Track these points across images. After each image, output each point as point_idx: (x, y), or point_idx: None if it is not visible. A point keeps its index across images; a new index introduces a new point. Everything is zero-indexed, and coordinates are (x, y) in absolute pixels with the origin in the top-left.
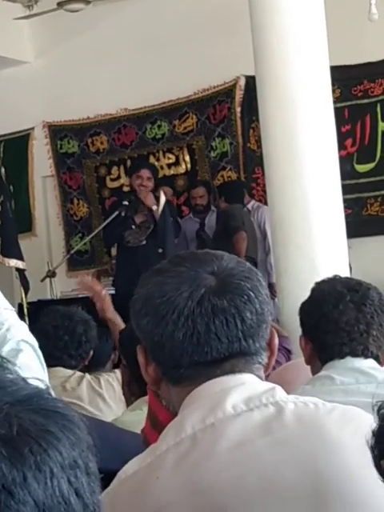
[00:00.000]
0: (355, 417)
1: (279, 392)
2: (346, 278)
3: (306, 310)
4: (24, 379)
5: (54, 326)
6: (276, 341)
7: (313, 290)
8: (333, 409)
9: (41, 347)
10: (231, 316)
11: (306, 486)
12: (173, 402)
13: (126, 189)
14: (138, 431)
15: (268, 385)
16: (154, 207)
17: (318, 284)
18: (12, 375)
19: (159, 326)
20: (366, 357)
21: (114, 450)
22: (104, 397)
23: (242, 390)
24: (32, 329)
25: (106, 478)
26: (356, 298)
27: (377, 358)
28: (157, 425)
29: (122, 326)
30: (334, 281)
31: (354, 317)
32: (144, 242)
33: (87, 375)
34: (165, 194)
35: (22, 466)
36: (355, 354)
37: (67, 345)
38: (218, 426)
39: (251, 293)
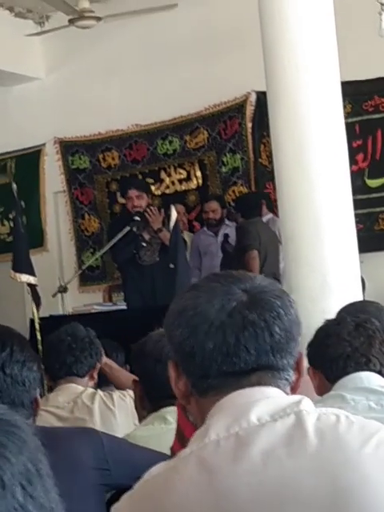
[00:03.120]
0: (376, 430)
1: (305, 403)
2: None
3: (312, 340)
4: None
5: (59, 340)
6: (304, 363)
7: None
8: (354, 422)
9: (50, 363)
10: (260, 329)
11: (325, 498)
12: (200, 416)
13: None
14: (150, 446)
15: (295, 397)
16: (159, 227)
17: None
18: None
19: (191, 337)
20: (370, 370)
21: (128, 467)
22: (115, 413)
23: (268, 403)
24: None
25: (119, 492)
26: (357, 320)
27: (380, 373)
28: (183, 441)
29: (116, 367)
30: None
31: (354, 329)
32: (158, 259)
33: (100, 391)
34: (178, 212)
35: None
36: (359, 366)
37: (73, 351)
38: (242, 435)
39: (281, 310)
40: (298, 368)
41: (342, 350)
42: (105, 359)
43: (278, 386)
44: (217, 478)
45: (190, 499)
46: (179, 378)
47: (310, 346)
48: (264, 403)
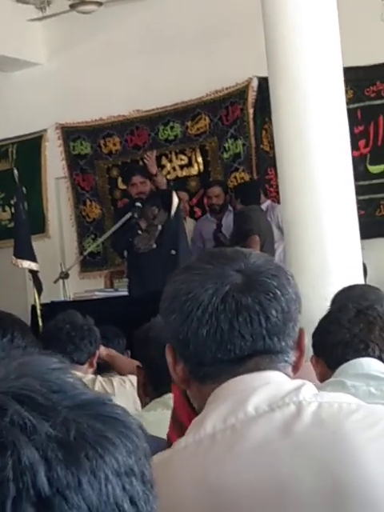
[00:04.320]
0: (379, 419)
1: (305, 390)
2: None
3: (315, 329)
4: (84, 383)
5: (57, 329)
6: (305, 340)
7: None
8: (356, 410)
9: (49, 350)
10: (255, 313)
11: (323, 491)
12: (201, 402)
13: None
14: (153, 431)
15: (295, 383)
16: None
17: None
18: (72, 379)
19: (185, 323)
20: (369, 355)
21: None
22: (115, 399)
23: (267, 390)
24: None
25: None
26: (359, 307)
27: (380, 358)
28: (178, 426)
29: (118, 355)
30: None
31: (355, 315)
32: (154, 246)
33: (99, 377)
34: (181, 199)
35: (78, 470)
36: (357, 351)
37: (73, 338)
38: (239, 428)
39: (277, 291)
40: (299, 346)
41: (341, 336)
42: (105, 350)
43: (278, 370)
44: (212, 473)
45: (183, 494)
46: (177, 363)
47: (314, 334)
48: (263, 390)
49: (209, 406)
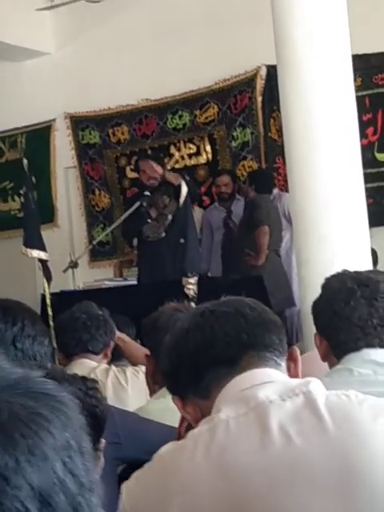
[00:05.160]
0: None
1: (313, 384)
2: (356, 272)
3: (318, 308)
4: (10, 363)
5: (74, 318)
6: (297, 352)
7: (323, 288)
8: (365, 400)
9: (64, 340)
10: (232, 314)
11: (335, 474)
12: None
13: None
14: (164, 419)
15: (302, 379)
16: (176, 180)
17: (327, 280)
18: (2, 361)
19: (174, 349)
20: (382, 347)
21: (138, 440)
22: (127, 389)
23: (274, 385)
24: (55, 322)
25: (133, 466)
26: (367, 293)
27: None
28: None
29: (130, 341)
30: (344, 276)
31: (367, 312)
32: (163, 235)
33: (113, 367)
34: (187, 184)
35: (15, 450)
36: (371, 346)
37: (89, 328)
38: (250, 414)
39: (247, 305)
40: (292, 356)
41: (353, 335)
42: (118, 334)
43: (273, 365)
44: (226, 456)
45: (197, 479)
46: (185, 406)
47: (316, 310)
48: (270, 386)
49: (217, 407)
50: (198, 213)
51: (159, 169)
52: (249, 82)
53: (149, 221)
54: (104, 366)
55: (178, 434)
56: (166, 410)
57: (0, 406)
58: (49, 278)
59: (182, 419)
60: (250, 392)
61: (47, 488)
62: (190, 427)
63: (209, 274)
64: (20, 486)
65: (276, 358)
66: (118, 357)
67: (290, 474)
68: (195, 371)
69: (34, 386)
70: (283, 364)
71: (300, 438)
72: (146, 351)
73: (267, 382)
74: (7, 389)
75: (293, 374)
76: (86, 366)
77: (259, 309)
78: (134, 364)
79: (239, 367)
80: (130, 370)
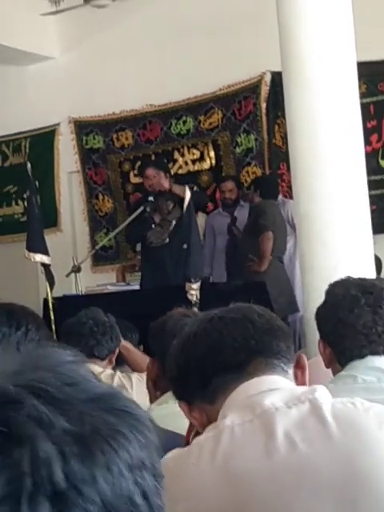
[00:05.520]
0: None
1: (319, 392)
2: (360, 279)
3: (322, 315)
4: (96, 376)
5: (80, 324)
6: (304, 360)
7: (327, 294)
8: (370, 407)
9: (71, 345)
10: (240, 320)
11: (340, 480)
12: (215, 419)
13: None
14: (166, 425)
15: (308, 387)
16: (183, 193)
17: (331, 287)
18: (85, 372)
19: (181, 354)
20: None
21: None
22: (132, 395)
23: (280, 393)
24: (57, 326)
25: None
26: (371, 300)
27: None
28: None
29: (134, 349)
30: (348, 283)
31: (371, 319)
32: (167, 241)
33: (118, 372)
34: (191, 189)
35: (92, 464)
36: (375, 353)
37: (95, 334)
38: (256, 421)
39: (255, 312)
40: (300, 363)
41: (358, 343)
42: (123, 342)
43: (280, 372)
44: (231, 462)
45: (201, 485)
46: (191, 411)
47: (320, 317)
48: (276, 393)
49: (223, 413)
50: (200, 218)
51: (166, 183)
52: (253, 88)
53: (153, 226)
54: (109, 371)
55: (187, 441)
56: (168, 415)
57: (84, 419)
58: (51, 282)
59: (190, 427)
60: (256, 399)
61: (118, 505)
62: (198, 435)
63: (210, 280)
64: (93, 500)
65: (283, 364)
66: (120, 362)
67: (295, 480)
68: (202, 376)
69: (116, 403)
70: (290, 371)
71: (305, 445)
72: (149, 359)
73: (274, 388)
74: (91, 402)
75: (300, 381)
76: (92, 371)
77: (267, 316)
78: (137, 372)
79: (246, 373)
80: (135, 375)
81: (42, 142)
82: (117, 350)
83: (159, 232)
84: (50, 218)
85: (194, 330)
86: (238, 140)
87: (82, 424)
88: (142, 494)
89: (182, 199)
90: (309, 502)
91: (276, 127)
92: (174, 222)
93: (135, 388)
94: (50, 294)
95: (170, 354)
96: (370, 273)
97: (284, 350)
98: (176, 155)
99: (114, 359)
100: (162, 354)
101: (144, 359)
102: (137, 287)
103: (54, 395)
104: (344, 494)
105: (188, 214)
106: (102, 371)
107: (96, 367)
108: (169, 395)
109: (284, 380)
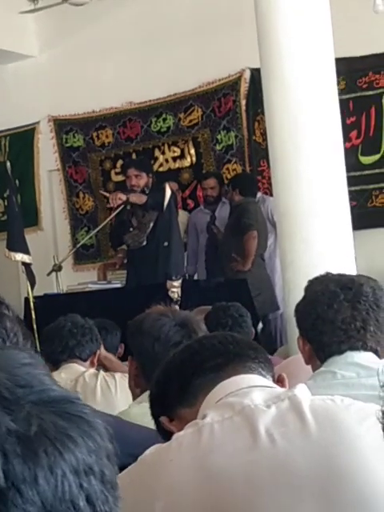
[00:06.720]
0: (372, 412)
1: (299, 390)
2: (339, 274)
3: (301, 311)
4: (55, 382)
5: (59, 327)
6: (284, 377)
7: (306, 290)
8: (351, 404)
9: (52, 348)
10: (219, 334)
11: (319, 477)
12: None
13: None
14: (145, 423)
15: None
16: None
17: (310, 283)
18: (42, 375)
19: (161, 373)
20: (366, 350)
21: (120, 443)
22: (116, 393)
23: (260, 391)
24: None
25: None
26: (349, 295)
27: (376, 352)
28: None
29: (115, 360)
30: (327, 279)
31: (350, 315)
32: (144, 243)
33: (102, 372)
34: (171, 189)
35: (35, 465)
36: (354, 349)
37: (75, 335)
38: (236, 418)
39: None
40: (279, 380)
41: (337, 338)
42: (104, 353)
43: (259, 374)
44: (210, 458)
45: (181, 481)
46: (172, 422)
47: (299, 313)
48: (256, 391)
49: (203, 412)
50: (182, 216)
51: (144, 176)
52: (233, 85)
53: (131, 229)
54: (93, 370)
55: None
56: (146, 413)
57: (30, 421)
58: (32, 281)
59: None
60: (235, 397)
61: (58, 507)
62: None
63: (195, 277)
64: (33, 501)
65: (262, 370)
66: (103, 370)
67: (273, 476)
68: (182, 378)
69: (70, 408)
70: (269, 377)
71: (284, 441)
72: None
73: (253, 386)
74: (42, 405)
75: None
76: (75, 369)
77: (245, 338)
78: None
79: (225, 373)
80: (118, 374)
81: (22, 140)
82: (98, 353)
83: (136, 235)
84: (31, 217)
85: (168, 339)
86: (219, 137)
87: (28, 425)
88: (86, 498)
89: (162, 197)
90: (287, 498)
91: (256, 124)
92: (151, 224)
93: (119, 387)
94: (30, 293)
95: (145, 353)
96: (350, 269)
97: (262, 360)
98: (157, 153)
99: (95, 361)
100: (140, 352)
101: (126, 369)
102: (118, 285)
103: (3, 395)
104: (322, 490)
105: (169, 211)
106: (85, 370)
107: (79, 367)
108: (147, 394)
109: (263, 379)
